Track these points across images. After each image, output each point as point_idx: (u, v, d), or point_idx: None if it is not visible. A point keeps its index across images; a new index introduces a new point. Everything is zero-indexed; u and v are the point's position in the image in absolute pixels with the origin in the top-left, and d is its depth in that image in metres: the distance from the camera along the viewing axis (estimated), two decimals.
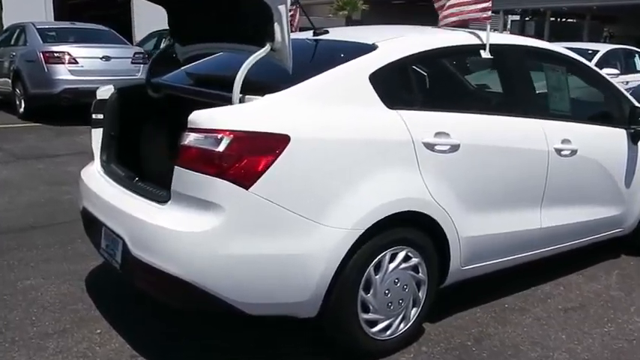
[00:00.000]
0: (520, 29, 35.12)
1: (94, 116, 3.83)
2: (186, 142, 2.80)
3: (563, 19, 37.32)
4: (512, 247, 3.90)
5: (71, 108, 11.12)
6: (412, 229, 3.27)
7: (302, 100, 3.02)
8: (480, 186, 3.57)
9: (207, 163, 2.75)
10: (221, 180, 2.73)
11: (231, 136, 2.74)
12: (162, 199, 3.00)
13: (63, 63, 11.00)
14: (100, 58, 11.28)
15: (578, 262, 4.73)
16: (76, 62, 11.09)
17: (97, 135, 3.83)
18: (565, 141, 4.03)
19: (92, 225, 3.55)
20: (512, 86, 3.94)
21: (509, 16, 34.64)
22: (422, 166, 3.25)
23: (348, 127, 3.06)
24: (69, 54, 11.10)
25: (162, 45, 14.80)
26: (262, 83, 3.07)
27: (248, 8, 3.04)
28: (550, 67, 4.25)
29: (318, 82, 3.09)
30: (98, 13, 30.72)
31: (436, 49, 3.59)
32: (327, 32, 3.81)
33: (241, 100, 2.95)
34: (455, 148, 3.38)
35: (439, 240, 3.38)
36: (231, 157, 2.73)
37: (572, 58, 4.40)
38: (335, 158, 2.97)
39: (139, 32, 28.24)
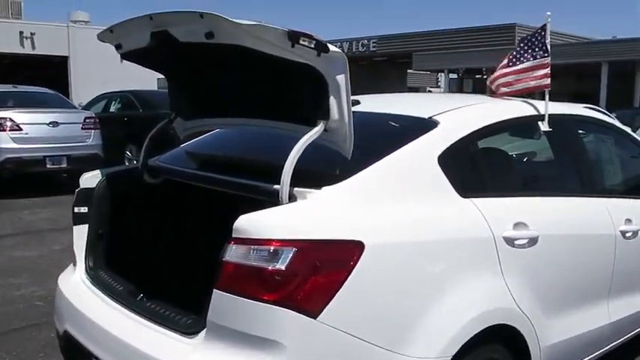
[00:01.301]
0: (459, 86, 36.04)
1: (76, 210, 3.06)
2: (229, 258, 2.10)
3: None
4: (585, 349, 3.32)
5: (15, 179, 10.08)
6: (495, 345, 2.63)
7: (367, 193, 2.38)
8: (556, 283, 3.01)
9: (262, 285, 2.05)
10: (281, 308, 2.03)
11: (294, 248, 2.06)
12: (189, 330, 2.25)
13: (4, 130, 10.00)
14: (47, 124, 10.33)
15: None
16: (20, 129, 10.11)
17: (80, 233, 3.05)
18: (628, 221, 3.53)
19: (78, 356, 2.73)
20: (573, 161, 3.44)
21: (446, 74, 35.52)
22: (504, 266, 2.65)
23: (423, 225, 2.44)
24: (11, 120, 10.11)
25: (113, 108, 14.02)
26: (311, 169, 2.43)
27: (295, 76, 2.42)
28: (601, 138, 3.79)
29: (382, 170, 2.47)
30: (34, 73, 29.55)
31: (500, 122, 3.06)
32: (358, 103, 3.22)
33: (292, 196, 2.28)
34: (534, 241, 2.80)
35: (520, 355, 2.75)
36: (295, 277, 2.04)
37: (619, 127, 3.98)
38: (412, 267, 2.34)
39: (78, 94, 27.20)
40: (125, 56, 2.85)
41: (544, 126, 3.25)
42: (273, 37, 2.23)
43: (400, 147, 2.58)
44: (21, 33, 30.13)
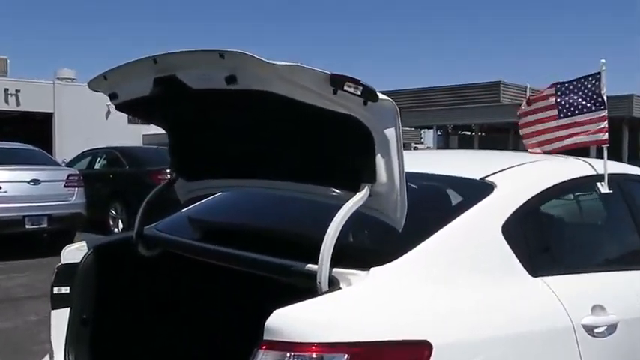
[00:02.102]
0: (445, 143, 36.11)
1: (55, 290, 2.54)
2: None
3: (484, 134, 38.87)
4: None
5: None
6: None
7: (424, 275, 1.91)
8: None
9: None
10: None
11: (345, 354, 1.56)
12: None
13: None
14: (28, 182, 9.76)
15: None
16: None
17: (59, 319, 2.52)
18: None
19: None
20: (633, 227, 2.99)
21: (435, 131, 35.63)
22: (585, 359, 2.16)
23: (494, 314, 1.97)
24: None
25: (98, 165, 13.50)
26: (352, 244, 1.97)
27: (334, 130, 1.99)
28: None
29: (440, 245, 2.01)
30: (17, 129, 29.10)
31: (562, 183, 2.62)
32: None
33: (333, 280, 1.80)
34: (613, 327, 2.32)
35: None
36: None
37: None
38: None
39: (61, 150, 26.69)
40: (121, 107, 2.40)
41: (603, 187, 2.82)
42: (311, 82, 1.79)
43: (457, 216, 2.13)
44: (6, 90, 29.86)
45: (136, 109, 2.44)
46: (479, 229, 2.13)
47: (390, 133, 1.88)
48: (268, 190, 2.47)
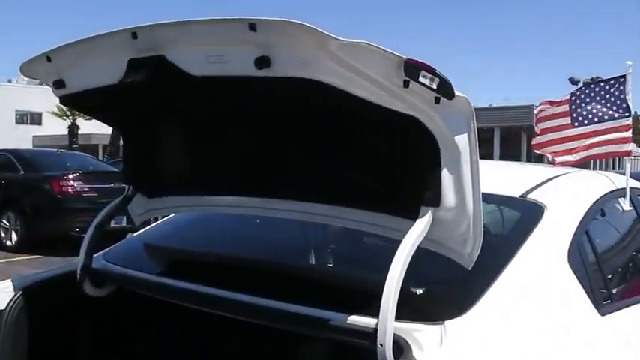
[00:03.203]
0: None
1: None
2: None
3: None
4: None
5: None
6: None
7: (504, 326, 1.47)
8: None
9: None
10: None
11: None
12: None
13: None
14: None
15: None
16: None
17: None
18: None
19: None
20: None
21: None
22: None
23: None
24: None
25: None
26: (408, 287, 1.49)
27: (385, 135, 1.50)
28: None
29: (512, 285, 1.58)
30: None
31: (598, 200, 2.26)
32: None
33: (399, 343, 1.31)
34: None
35: None
36: None
37: None
38: None
39: None
40: (67, 99, 1.77)
41: (625, 204, 2.51)
42: (378, 69, 1.30)
43: (518, 246, 1.70)
44: None
45: (91, 103, 1.82)
46: (547, 261, 1.72)
47: (463, 141, 1.42)
48: (275, 213, 1.91)
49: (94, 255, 2.08)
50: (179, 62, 1.43)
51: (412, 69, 1.28)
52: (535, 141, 2.86)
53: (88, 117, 31.54)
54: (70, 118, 31.98)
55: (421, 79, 1.30)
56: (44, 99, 28.79)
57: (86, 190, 9.52)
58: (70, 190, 9.41)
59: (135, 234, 2.34)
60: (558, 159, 2.77)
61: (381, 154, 1.58)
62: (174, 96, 1.64)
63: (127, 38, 1.46)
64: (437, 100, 1.35)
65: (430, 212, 1.46)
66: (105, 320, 2.09)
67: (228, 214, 2.24)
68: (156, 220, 2.46)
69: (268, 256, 2.11)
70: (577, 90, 2.72)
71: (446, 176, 1.44)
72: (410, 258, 1.38)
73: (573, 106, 2.67)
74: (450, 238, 1.51)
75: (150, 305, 1.96)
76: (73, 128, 32.52)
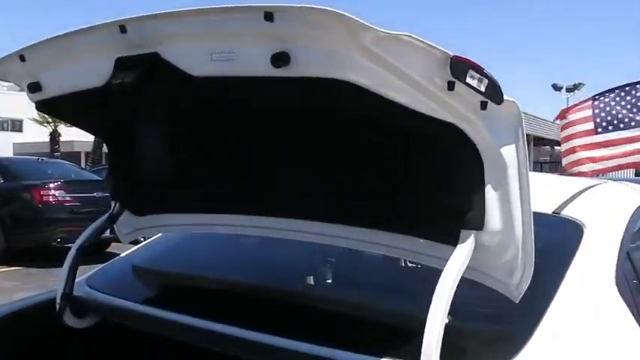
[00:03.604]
0: None
1: None
2: None
3: None
4: None
5: None
6: None
7: None
8: None
9: None
10: None
11: None
12: None
13: None
14: None
15: None
16: None
17: None
18: None
19: None
20: None
21: None
22: None
23: None
24: None
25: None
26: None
27: (418, 147, 1.29)
28: None
29: (564, 319, 1.37)
30: None
31: (635, 212, 2.05)
32: None
33: None
34: None
35: None
36: None
37: None
38: None
39: None
40: (44, 105, 1.53)
41: None
42: (419, 68, 1.08)
43: (564, 272, 1.49)
44: None
45: (71, 109, 1.58)
46: (597, 290, 1.51)
47: (510, 152, 1.21)
48: (289, 234, 1.68)
49: (76, 280, 1.85)
50: (176, 61, 1.21)
51: (459, 68, 1.08)
52: (562, 148, 2.66)
53: (69, 124, 31.23)
54: (52, 124, 31.46)
55: (468, 79, 1.09)
56: (25, 105, 28.25)
57: (68, 199, 9.22)
58: (51, 200, 9.10)
59: (122, 255, 2.10)
60: (579, 168, 2.58)
61: (414, 169, 1.37)
62: (170, 101, 1.41)
63: (114, 33, 1.24)
64: (483, 106, 1.15)
65: (472, 236, 1.25)
66: (88, 356, 1.85)
67: (229, 235, 2.01)
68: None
69: (277, 283, 1.88)
70: (599, 94, 2.53)
71: (490, 194, 1.23)
72: (453, 291, 1.16)
73: (597, 111, 2.48)
74: (494, 266, 1.30)
75: (139, 339, 1.72)
76: (55, 135, 32.00)
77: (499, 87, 1.13)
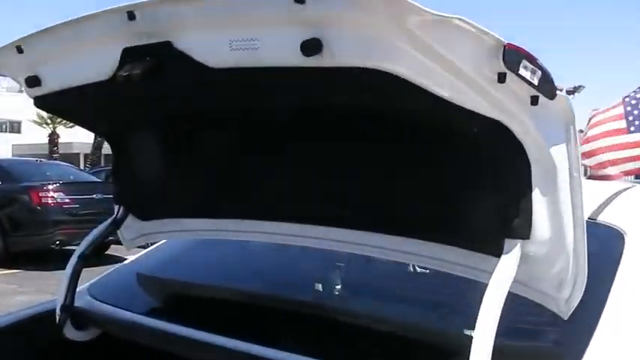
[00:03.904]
0: None
1: None
2: None
3: None
4: None
5: None
6: None
7: None
8: None
9: None
10: None
11: None
12: None
13: None
14: None
15: None
16: None
17: None
18: None
19: None
20: None
21: None
22: None
23: None
24: None
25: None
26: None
27: (457, 148, 1.17)
28: None
29: (615, 337, 1.24)
30: None
31: None
32: None
33: None
34: None
35: None
36: None
37: None
38: None
39: None
40: (43, 101, 1.41)
41: None
42: (468, 56, 0.96)
43: (609, 285, 1.37)
44: None
45: (73, 106, 1.46)
46: None
47: (560, 153, 1.09)
48: (315, 242, 1.55)
49: (77, 289, 1.72)
50: (191, 50, 1.09)
51: (513, 57, 0.95)
52: (584, 149, 2.54)
53: (69, 125, 31.01)
54: (51, 126, 31.31)
55: (521, 71, 0.97)
56: (24, 106, 28.19)
57: (67, 201, 9.09)
58: (50, 202, 8.96)
59: (126, 262, 1.98)
60: (606, 170, 2.46)
61: (453, 173, 1.24)
62: (184, 95, 1.29)
63: (121, 20, 1.12)
64: (534, 101, 1.03)
65: (519, 246, 1.13)
66: None
67: (237, 241, 1.89)
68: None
69: (291, 294, 1.76)
70: (633, 91, 2.41)
71: (538, 199, 1.11)
72: (501, 308, 1.04)
73: (629, 108, 2.36)
74: (541, 278, 1.18)
75: (145, 354, 1.60)
76: (54, 136, 31.85)
77: (552, 80, 1.01)
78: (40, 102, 1.40)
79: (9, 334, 1.61)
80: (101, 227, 1.76)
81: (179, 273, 2.01)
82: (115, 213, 1.76)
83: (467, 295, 1.13)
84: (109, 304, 1.71)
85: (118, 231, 1.79)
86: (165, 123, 1.50)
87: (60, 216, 8.97)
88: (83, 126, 1.67)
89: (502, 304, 1.05)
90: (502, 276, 1.09)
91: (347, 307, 1.75)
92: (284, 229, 1.52)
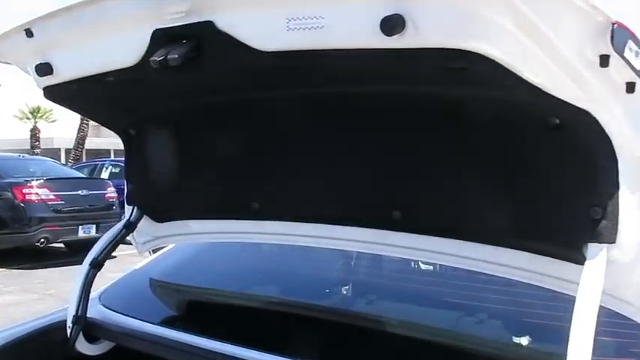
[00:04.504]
0: None
1: None
2: None
3: None
4: None
5: None
6: None
7: None
8: None
9: None
10: None
11: None
12: None
13: None
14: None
15: None
16: None
17: None
18: None
19: None
20: None
21: None
22: None
23: None
24: None
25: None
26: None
27: (533, 141, 1.04)
28: None
29: None
30: None
31: None
32: None
33: None
34: None
35: None
36: None
37: None
38: None
39: None
40: (55, 91, 1.25)
41: None
42: (573, 36, 0.83)
43: None
44: None
45: (89, 98, 1.30)
46: None
47: None
48: (362, 246, 1.41)
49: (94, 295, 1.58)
50: (237, 31, 0.94)
51: (621, 37, 0.83)
52: None
53: (51, 119, 30.39)
54: (32, 120, 30.73)
55: (626, 53, 0.84)
56: (3, 100, 27.63)
57: (52, 197, 8.84)
58: (33, 198, 8.71)
59: (137, 267, 1.82)
60: None
61: (531, 170, 1.11)
62: (224, 84, 1.14)
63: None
64: (630, 88, 0.90)
65: (604, 251, 1.00)
66: None
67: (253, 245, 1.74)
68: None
69: (332, 301, 1.62)
70: None
71: (625, 199, 0.99)
72: (595, 323, 0.92)
73: None
74: (626, 287, 1.06)
75: None
76: (35, 131, 31.27)
77: None
78: (50, 93, 1.25)
79: (16, 350, 1.46)
80: (113, 230, 1.61)
81: (194, 279, 1.87)
82: (128, 215, 1.61)
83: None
84: (123, 314, 1.57)
85: (131, 234, 1.65)
86: (194, 115, 1.35)
87: (44, 213, 8.73)
88: (95, 119, 1.51)
89: (596, 319, 0.93)
90: (591, 285, 0.96)
91: (373, 315, 1.62)
92: (322, 232, 1.37)
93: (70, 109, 1.37)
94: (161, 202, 1.59)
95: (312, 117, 1.23)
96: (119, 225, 1.61)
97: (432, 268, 1.69)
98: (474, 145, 1.12)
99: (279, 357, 1.27)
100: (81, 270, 1.53)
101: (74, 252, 8.89)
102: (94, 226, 8.91)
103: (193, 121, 1.39)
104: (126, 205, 1.64)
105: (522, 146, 1.08)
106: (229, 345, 1.34)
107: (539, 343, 1.11)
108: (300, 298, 1.69)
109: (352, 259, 1.83)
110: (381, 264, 1.78)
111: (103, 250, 1.56)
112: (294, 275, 1.82)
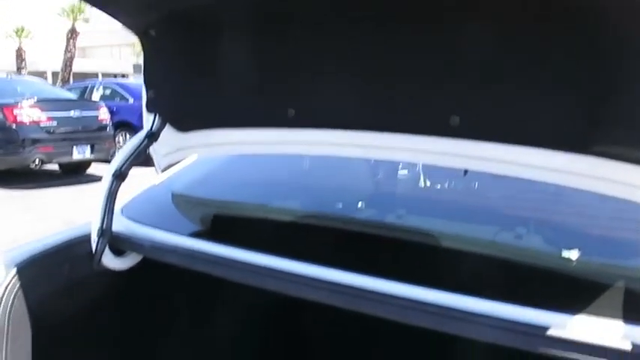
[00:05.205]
0: None
1: None
2: None
3: None
4: None
5: None
6: None
7: None
8: None
9: None
10: None
11: None
12: None
13: None
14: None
15: None
16: None
17: None
18: None
19: None
20: None
21: None
22: None
23: None
24: None
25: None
26: None
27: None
28: None
29: None
30: None
31: None
32: None
33: None
34: None
35: None
36: None
37: None
38: None
39: None
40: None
41: None
42: None
43: None
44: None
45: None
46: None
47: None
48: (410, 155, 1.31)
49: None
50: None
51: None
52: None
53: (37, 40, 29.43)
54: (18, 39, 29.81)
55: None
56: None
57: (44, 119, 8.65)
58: (25, 120, 8.53)
59: (157, 182, 1.74)
60: None
61: (599, 67, 0.99)
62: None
63: None
64: None
65: None
66: (133, 307, 1.53)
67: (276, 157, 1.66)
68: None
69: (363, 213, 1.55)
70: None
71: None
72: None
73: None
74: None
75: (194, 281, 1.40)
76: (20, 52, 30.41)
77: None
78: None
79: (39, 265, 1.39)
80: (134, 141, 1.51)
81: (217, 192, 1.79)
82: (150, 123, 1.51)
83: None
84: (151, 226, 1.50)
85: (151, 146, 1.55)
86: (224, 15, 1.22)
87: (37, 134, 8.57)
88: (117, 16, 1.37)
89: None
90: None
91: (408, 226, 1.56)
92: (369, 141, 1.27)
93: (90, 3, 1.24)
94: (185, 109, 1.48)
95: (360, 18, 1.11)
96: (140, 134, 1.51)
97: (465, 180, 1.63)
98: (538, 45, 1.01)
99: (308, 264, 1.21)
100: (104, 181, 1.45)
101: (68, 170, 8.88)
102: (89, 146, 8.78)
103: (223, 22, 1.26)
104: (145, 114, 1.54)
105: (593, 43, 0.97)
106: (261, 254, 1.28)
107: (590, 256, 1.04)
108: (326, 209, 1.63)
109: (379, 171, 1.77)
110: (411, 175, 1.71)
111: (126, 160, 1.47)
112: (320, 188, 1.75)
